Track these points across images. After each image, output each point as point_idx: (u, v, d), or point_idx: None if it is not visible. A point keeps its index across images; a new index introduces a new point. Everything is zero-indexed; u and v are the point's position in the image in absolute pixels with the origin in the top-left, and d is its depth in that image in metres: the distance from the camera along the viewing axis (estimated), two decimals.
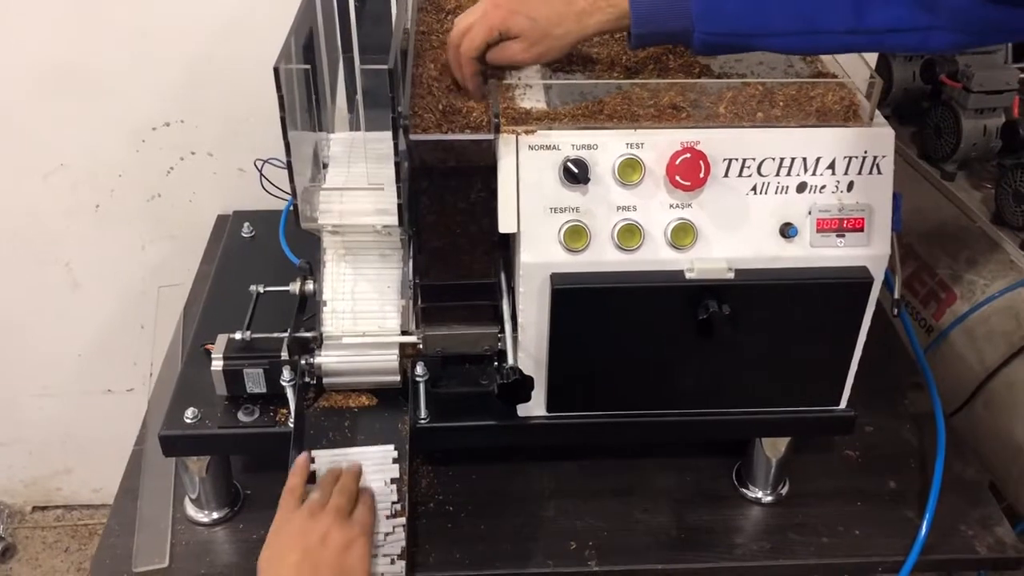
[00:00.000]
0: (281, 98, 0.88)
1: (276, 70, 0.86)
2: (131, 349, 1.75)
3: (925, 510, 1.11)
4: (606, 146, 0.92)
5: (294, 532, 0.89)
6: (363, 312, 1.06)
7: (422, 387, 1.04)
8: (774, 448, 1.12)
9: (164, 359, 1.32)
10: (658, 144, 0.92)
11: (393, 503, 1.00)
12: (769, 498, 1.16)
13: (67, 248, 1.63)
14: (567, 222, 0.92)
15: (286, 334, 1.04)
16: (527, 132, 0.91)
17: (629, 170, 0.92)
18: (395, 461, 1.03)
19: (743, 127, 0.93)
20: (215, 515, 1.12)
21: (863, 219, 0.94)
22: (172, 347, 1.34)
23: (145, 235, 1.63)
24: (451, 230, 0.96)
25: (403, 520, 0.99)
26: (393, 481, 1.01)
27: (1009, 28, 0.86)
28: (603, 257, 0.93)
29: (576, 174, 0.90)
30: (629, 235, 0.92)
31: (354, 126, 1.20)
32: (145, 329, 1.72)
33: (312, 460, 1.00)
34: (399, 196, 0.94)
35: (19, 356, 1.77)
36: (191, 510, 1.12)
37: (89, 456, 1.96)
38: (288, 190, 0.97)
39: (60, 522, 2.07)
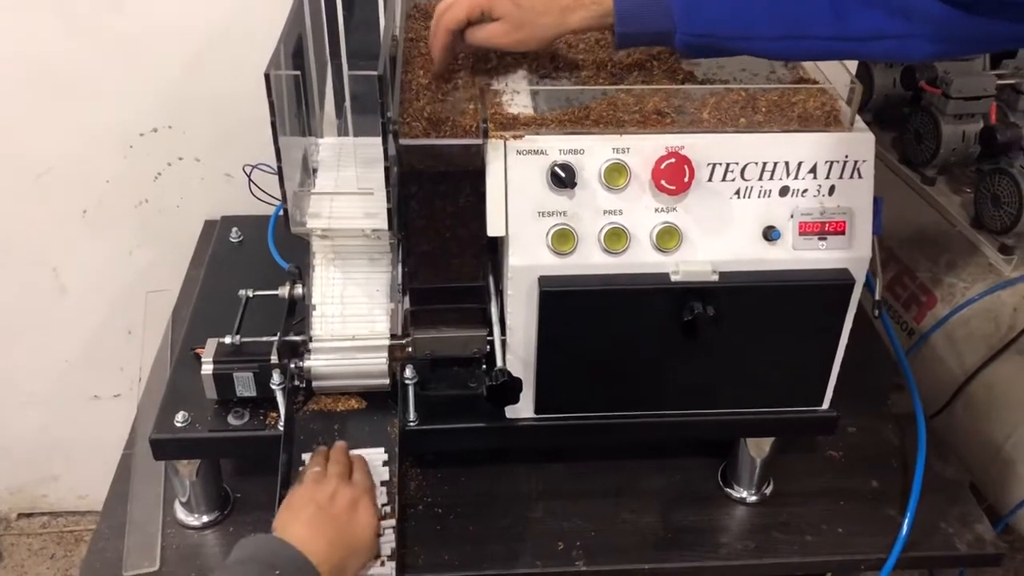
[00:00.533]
0: (272, 104, 0.89)
1: (267, 76, 0.87)
2: (118, 355, 1.75)
3: (907, 509, 1.13)
4: (592, 151, 0.93)
5: (304, 496, 0.94)
6: (352, 316, 1.07)
7: (411, 390, 1.04)
8: (759, 448, 1.13)
9: (152, 364, 1.32)
10: (643, 149, 0.93)
11: (383, 505, 1.00)
12: (754, 498, 1.17)
13: (54, 253, 1.63)
14: (554, 226, 0.93)
15: (276, 338, 1.04)
16: (515, 137, 0.92)
17: (615, 174, 0.93)
18: (385, 464, 1.03)
19: (726, 132, 0.95)
20: (205, 518, 1.12)
21: (844, 222, 0.96)
22: (160, 352, 1.34)
23: (133, 240, 1.63)
24: (440, 234, 0.97)
25: (393, 522, 1.00)
26: (383, 484, 1.02)
27: (988, 39, 0.88)
28: (590, 260, 0.94)
29: (563, 178, 0.92)
30: (615, 238, 0.94)
31: (342, 131, 1.21)
32: (132, 335, 1.72)
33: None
34: (389, 200, 0.95)
35: (5, 362, 1.76)
36: (181, 514, 1.12)
37: (75, 462, 1.96)
38: (277, 195, 0.98)
39: (46, 529, 2.07)
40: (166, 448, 1.05)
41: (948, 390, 1.58)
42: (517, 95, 0.99)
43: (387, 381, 1.06)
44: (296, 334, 1.07)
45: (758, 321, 0.99)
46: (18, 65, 1.42)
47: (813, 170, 0.95)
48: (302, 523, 0.91)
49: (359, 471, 0.99)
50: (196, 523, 1.12)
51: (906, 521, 1.12)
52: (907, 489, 1.15)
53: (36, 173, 1.54)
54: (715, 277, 0.95)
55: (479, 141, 0.92)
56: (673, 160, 0.92)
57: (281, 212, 0.99)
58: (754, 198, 0.95)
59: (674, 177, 0.92)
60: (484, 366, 1.08)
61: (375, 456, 1.04)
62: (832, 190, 0.96)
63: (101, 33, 1.40)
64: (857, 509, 1.16)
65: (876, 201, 0.97)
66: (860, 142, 0.95)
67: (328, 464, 0.99)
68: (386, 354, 1.05)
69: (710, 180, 0.94)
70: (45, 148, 1.51)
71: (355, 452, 1.03)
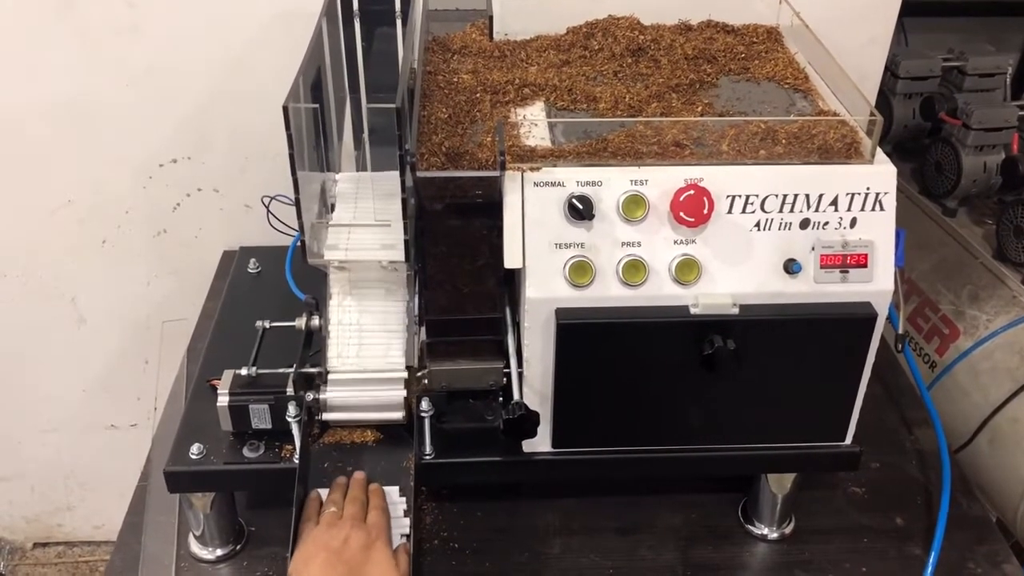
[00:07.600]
0: (290, 136, 0.89)
1: (285, 109, 0.87)
2: (135, 384, 1.75)
3: (932, 547, 1.10)
4: (610, 183, 0.93)
5: (317, 541, 0.93)
6: (368, 347, 1.06)
7: (427, 422, 1.03)
8: (780, 484, 1.11)
9: (168, 395, 1.32)
10: (662, 181, 0.93)
11: (403, 535, 0.99)
12: (775, 535, 1.15)
13: (73, 283, 1.64)
14: (572, 258, 0.93)
15: (292, 370, 1.04)
16: (532, 169, 0.92)
17: (633, 206, 0.92)
18: (405, 514, 1.01)
19: (746, 164, 0.94)
20: (219, 552, 1.11)
21: (866, 255, 0.95)
22: (176, 383, 1.34)
23: (151, 271, 1.63)
24: (457, 265, 0.96)
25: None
26: (403, 536, 1.00)
27: None
28: (608, 292, 0.93)
29: (581, 210, 0.91)
30: (634, 270, 0.93)
31: (360, 164, 1.21)
32: (149, 364, 1.72)
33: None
34: (406, 232, 0.94)
35: (23, 391, 1.77)
36: (195, 547, 1.11)
37: (91, 492, 1.95)
38: (295, 226, 0.98)
39: (61, 559, 2.06)
40: (181, 480, 1.04)
41: (972, 424, 1.56)
42: (535, 127, 0.99)
43: (403, 414, 1.05)
44: (312, 366, 1.06)
45: (779, 355, 0.97)
46: (39, 96, 1.44)
47: (834, 202, 0.94)
48: (315, 568, 0.90)
49: (375, 509, 0.98)
50: (210, 556, 1.11)
51: (931, 560, 1.10)
52: (932, 526, 1.13)
53: (56, 204, 1.55)
54: (735, 310, 0.94)
55: (496, 173, 0.92)
56: (692, 192, 0.91)
57: (299, 243, 0.99)
58: (774, 230, 0.94)
59: (693, 209, 0.91)
60: (501, 399, 1.07)
61: (391, 494, 1.02)
62: (854, 222, 0.95)
63: (121, 65, 1.41)
64: (881, 547, 1.14)
65: (898, 233, 0.96)
66: (882, 174, 0.94)
67: (345, 503, 0.98)
68: (402, 386, 1.05)
69: (730, 212, 0.94)
70: (65, 179, 1.52)
71: (374, 485, 1.02)
